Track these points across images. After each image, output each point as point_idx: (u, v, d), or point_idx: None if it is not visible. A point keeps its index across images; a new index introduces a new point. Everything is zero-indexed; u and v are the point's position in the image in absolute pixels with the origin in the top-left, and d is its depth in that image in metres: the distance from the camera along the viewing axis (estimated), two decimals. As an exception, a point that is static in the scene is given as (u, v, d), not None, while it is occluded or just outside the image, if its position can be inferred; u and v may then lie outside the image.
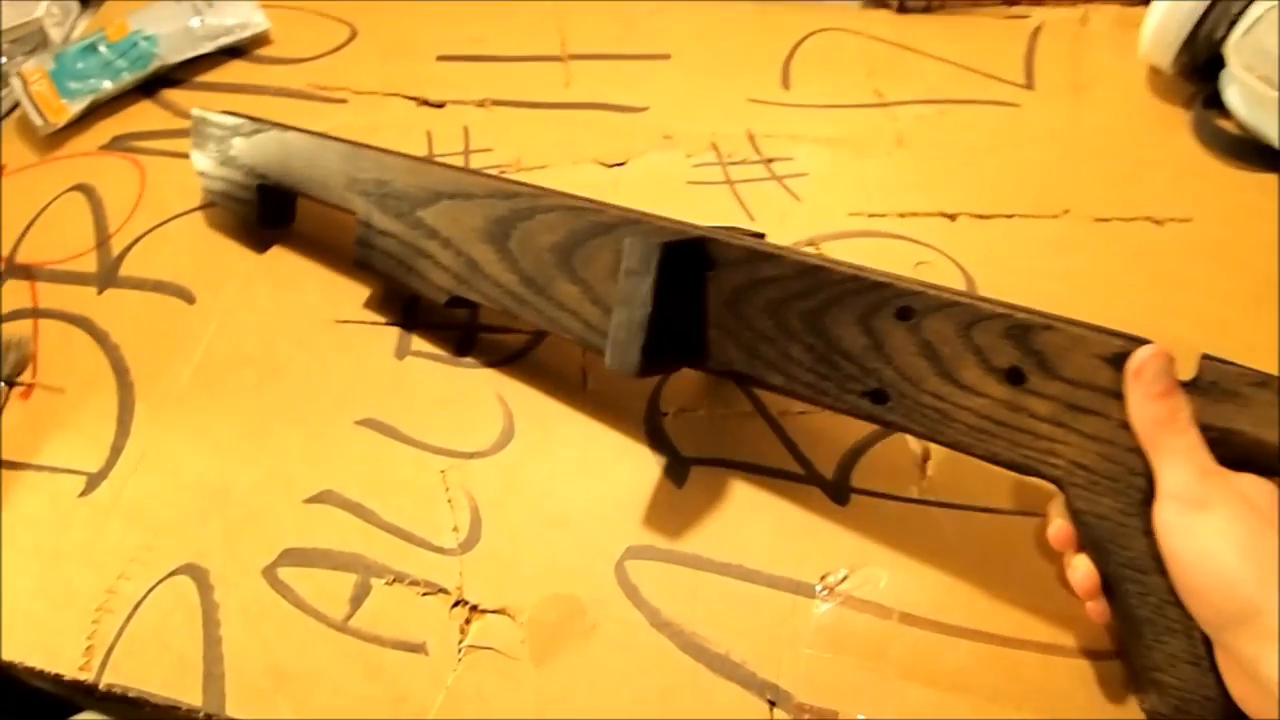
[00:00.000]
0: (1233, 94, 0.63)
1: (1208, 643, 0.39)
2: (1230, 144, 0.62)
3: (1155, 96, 0.66)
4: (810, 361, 0.47)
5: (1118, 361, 0.40)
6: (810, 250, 0.62)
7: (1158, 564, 0.39)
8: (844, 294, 0.46)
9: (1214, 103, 0.64)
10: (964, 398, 0.43)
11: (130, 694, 0.53)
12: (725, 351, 0.49)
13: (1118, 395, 0.40)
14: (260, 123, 0.66)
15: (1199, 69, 0.64)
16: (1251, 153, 0.62)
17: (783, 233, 0.62)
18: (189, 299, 0.67)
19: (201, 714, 0.52)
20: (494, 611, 0.52)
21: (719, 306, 0.49)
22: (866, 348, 0.45)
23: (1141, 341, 0.40)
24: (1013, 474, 0.43)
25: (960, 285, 0.59)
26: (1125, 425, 0.40)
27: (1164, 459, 0.39)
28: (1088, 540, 0.42)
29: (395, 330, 0.64)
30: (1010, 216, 0.62)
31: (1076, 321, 0.42)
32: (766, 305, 0.48)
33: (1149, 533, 0.40)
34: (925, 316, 0.44)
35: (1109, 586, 0.42)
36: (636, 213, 0.52)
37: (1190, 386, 0.40)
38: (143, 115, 0.79)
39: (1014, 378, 0.42)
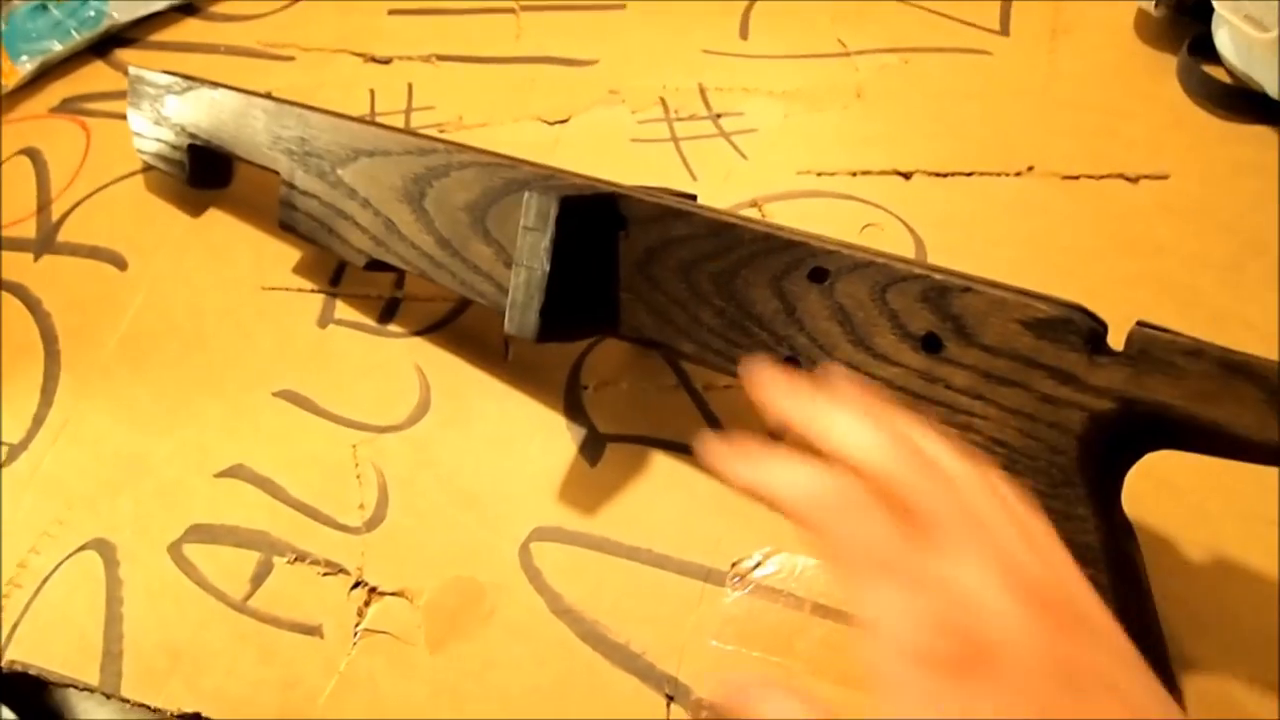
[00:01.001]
0: (1222, 38, 0.57)
1: (1135, 638, 0.35)
2: (1218, 93, 0.57)
3: (1142, 42, 0.61)
4: (721, 327, 0.43)
5: (1040, 328, 0.36)
6: (753, 212, 0.58)
7: (1081, 551, 0.36)
8: (756, 254, 0.42)
9: (1203, 48, 0.58)
10: (878, 367, 0.40)
11: (30, 671, 0.52)
12: (636, 317, 0.46)
13: (1040, 365, 0.36)
14: (192, 81, 0.64)
15: (1189, 10, 0.59)
16: (1240, 102, 0.56)
17: (725, 193, 0.59)
18: (121, 265, 0.66)
19: (99, 693, 0.51)
20: (392, 594, 0.50)
21: (630, 268, 0.46)
22: (778, 312, 0.42)
23: (1071, 305, 0.36)
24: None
25: (909, 250, 0.55)
26: (1048, 398, 0.36)
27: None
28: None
29: (320, 297, 0.61)
30: (970, 174, 0.57)
31: (999, 284, 0.38)
32: (678, 267, 0.44)
33: (1071, 517, 0.36)
34: (839, 278, 0.40)
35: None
36: (552, 169, 0.49)
37: (1119, 356, 0.35)
38: (94, 76, 0.77)
39: (930, 345, 0.39)
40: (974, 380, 0.38)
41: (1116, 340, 0.36)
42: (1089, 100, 0.59)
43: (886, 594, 0.26)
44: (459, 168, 0.51)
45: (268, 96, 0.61)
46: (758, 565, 0.47)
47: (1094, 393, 0.36)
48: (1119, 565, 0.37)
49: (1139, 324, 0.36)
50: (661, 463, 0.51)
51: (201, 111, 0.63)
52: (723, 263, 0.43)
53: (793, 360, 0.42)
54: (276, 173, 0.59)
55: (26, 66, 0.75)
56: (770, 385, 0.32)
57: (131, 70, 0.68)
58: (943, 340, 0.38)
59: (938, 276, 0.39)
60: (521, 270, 0.45)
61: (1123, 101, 0.58)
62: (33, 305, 0.65)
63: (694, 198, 0.54)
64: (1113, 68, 0.60)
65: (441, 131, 0.66)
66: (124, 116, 0.71)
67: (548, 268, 0.44)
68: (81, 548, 0.55)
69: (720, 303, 0.43)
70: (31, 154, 0.73)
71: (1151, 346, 0.35)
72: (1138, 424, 0.36)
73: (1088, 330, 0.36)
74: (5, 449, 0.59)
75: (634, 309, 0.46)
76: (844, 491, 0.28)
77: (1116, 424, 0.36)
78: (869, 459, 0.29)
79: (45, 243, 0.68)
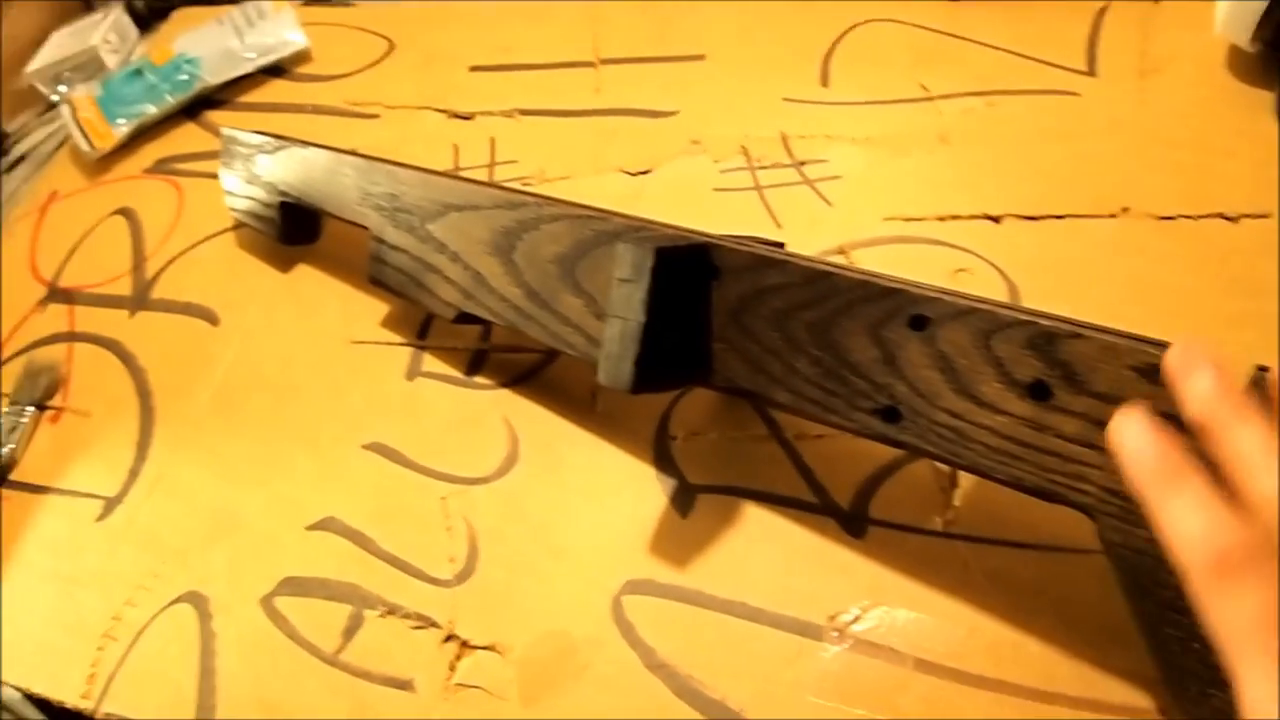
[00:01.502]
0: (1322, 72, 0.55)
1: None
2: (1318, 129, 0.55)
3: (1234, 77, 0.59)
4: (817, 376, 0.43)
5: (1154, 374, 0.35)
6: (839, 259, 0.58)
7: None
8: (853, 302, 0.42)
9: (1301, 82, 0.57)
10: (983, 415, 0.39)
11: (127, 724, 0.52)
12: (729, 366, 0.46)
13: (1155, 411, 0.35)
14: (283, 140, 0.66)
15: (1285, 45, 0.57)
16: (1344, 138, 0.55)
17: (811, 240, 0.58)
18: (213, 320, 0.67)
19: (193, 747, 0.51)
20: (484, 648, 0.50)
21: (723, 318, 0.46)
22: (877, 360, 0.41)
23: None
24: (1047, 503, 0.38)
25: (1002, 294, 0.54)
26: None
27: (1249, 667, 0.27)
28: (1122, 577, 0.37)
29: (408, 350, 0.62)
30: (1061, 217, 0.56)
31: (1108, 329, 0.37)
32: (772, 316, 0.44)
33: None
34: (940, 326, 0.39)
35: (1149, 631, 0.37)
36: (642, 220, 0.49)
37: None
38: (185, 137, 0.79)
39: (1038, 393, 0.38)
40: (1085, 429, 0.37)
41: None
42: (1182, 138, 0.57)
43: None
44: (549, 220, 0.51)
45: (355, 154, 0.62)
46: (856, 619, 0.46)
47: (1213, 440, 0.35)
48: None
49: (1258, 368, 0.34)
50: (753, 514, 0.50)
51: (292, 170, 0.64)
52: (818, 311, 0.43)
53: (893, 410, 0.41)
54: (366, 228, 0.60)
55: (122, 129, 0.78)
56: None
57: (224, 131, 0.69)
58: (1051, 388, 0.38)
59: (1044, 323, 0.38)
60: (616, 322, 0.45)
61: (1218, 139, 0.57)
62: (128, 360, 0.67)
63: (782, 245, 0.53)
64: (1206, 105, 0.59)
65: (525, 185, 0.67)
66: (215, 176, 0.73)
67: (643, 319, 0.44)
68: (176, 600, 0.55)
69: (816, 352, 0.43)
70: (127, 213, 0.75)
71: (1272, 390, 0.34)
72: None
73: (1203, 375, 0.35)
74: (102, 503, 0.60)
75: (727, 358, 0.46)
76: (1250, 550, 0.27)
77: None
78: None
79: (140, 299, 0.69)
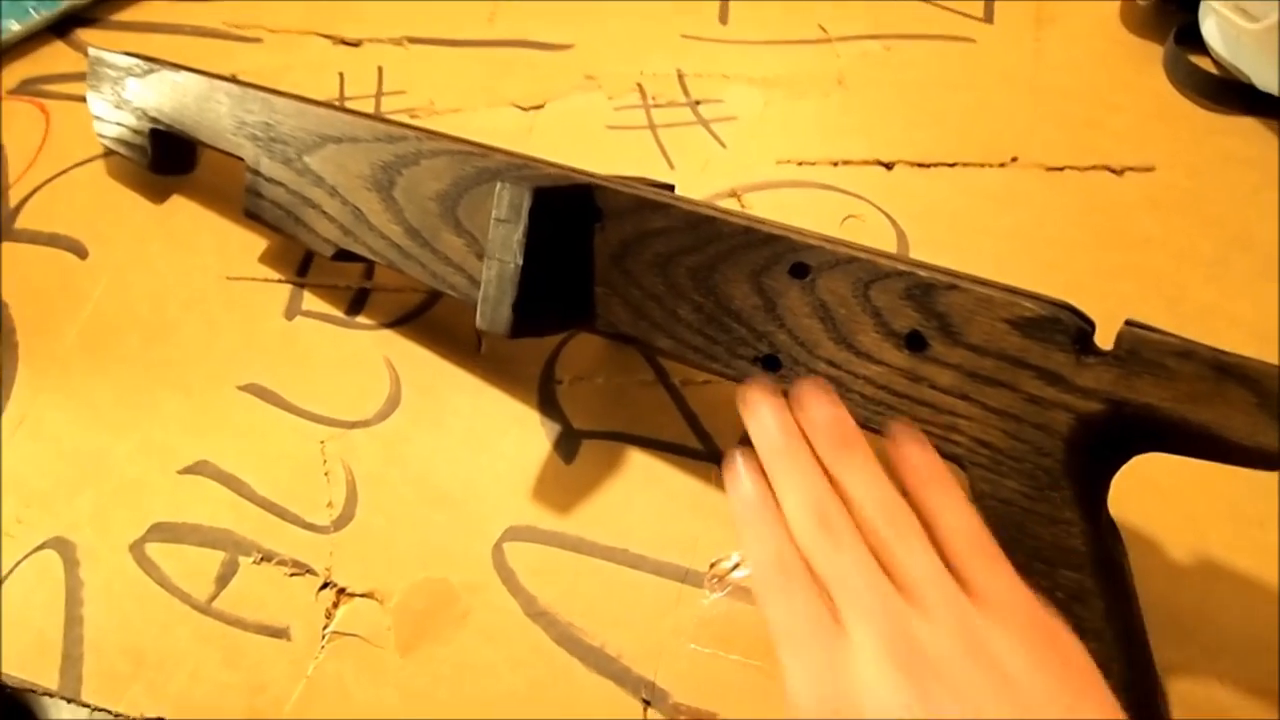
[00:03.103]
0: (1210, 28, 0.56)
1: (1122, 645, 0.35)
2: (1205, 84, 0.56)
3: (1128, 31, 0.60)
4: (699, 323, 0.42)
5: (1028, 327, 0.35)
6: (732, 202, 0.57)
7: (1066, 556, 0.35)
8: (735, 248, 0.41)
9: (1190, 37, 0.57)
10: (861, 365, 0.39)
11: (-13, 675, 0.50)
12: (611, 311, 0.45)
13: (1027, 365, 0.35)
14: (154, 63, 0.62)
15: (1176, 0, 0.58)
16: (1227, 93, 0.55)
17: (703, 183, 0.57)
18: (82, 254, 0.63)
19: (58, 696, 0.49)
20: (362, 595, 0.49)
21: (606, 262, 0.45)
22: (758, 308, 0.41)
23: (1058, 304, 0.35)
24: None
25: (891, 242, 0.54)
26: (1034, 399, 0.35)
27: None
28: (993, 528, 0.37)
29: (287, 288, 0.59)
30: (952, 165, 0.56)
31: (986, 281, 0.37)
32: (654, 260, 0.43)
33: (1056, 521, 0.35)
34: (821, 274, 0.39)
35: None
36: (526, 158, 0.48)
37: (1107, 357, 0.34)
38: (54, 56, 0.74)
39: (914, 343, 0.38)
40: (959, 380, 0.37)
41: (1105, 339, 0.35)
42: (1074, 90, 0.58)
43: (797, 671, 0.28)
44: (429, 156, 0.50)
45: (233, 80, 0.59)
46: (736, 566, 0.46)
47: (1081, 394, 0.35)
48: (1105, 569, 0.36)
49: (1128, 323, 0.35)
50: (638, 460, 0.50)
51: (164, 95, 0.61)
52: (701, 257, 0.42)
53: (773, 359, 0.41)
54: (241, 159, 0.57)
55: (-18, 46, 0.73)
56: (756, 416, 0.33)
57: (91, 51, 0.65)
58: (927, 339, 0.38)
59: (922, 273, 0.38)
60: (494, 264, 0.43)
61: (1108, 92, 0.57)
62: (-11, 294, 0.63)
63: (672, 188, 0.52)
64: (1098, 58, 0.59)
65: (413, 117, 0.64)
66: (84, 99, 0.69)
67: (520, 261, 0.42)
68: (40, 547, 0.53)
69: (698, 298, 0.42)
70: (-12, 137, 0.71)
71: (1141, 347, 0.34)
72: (1126, 426, 0.35)
73: (1075, 329, 0.35)
74: (-41, 445, 0.57)
75: (609, 303, 0.45)
76: (784, 563, 0.30)
77: (1104, 426, 0.35)
78: (796, 530, 0.30)
79: (2, 230, 0.65)
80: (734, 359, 0.42)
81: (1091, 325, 0.36)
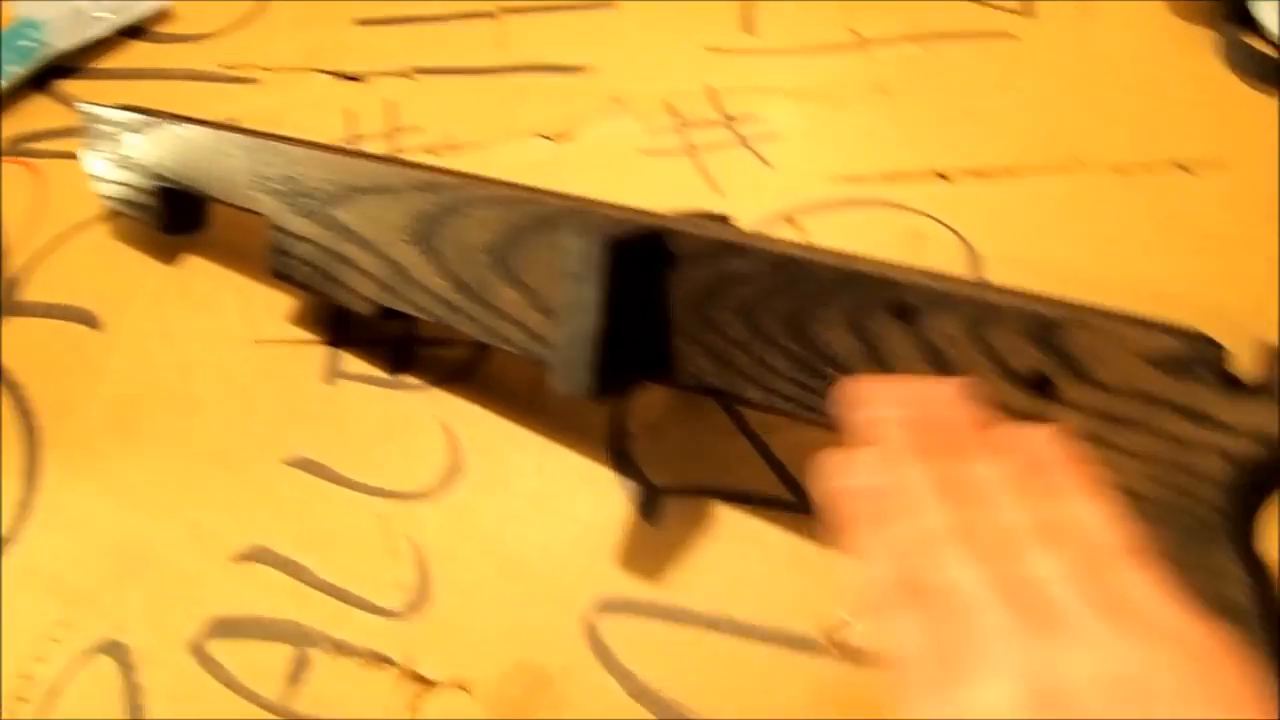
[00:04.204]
0: (1264, 8, 0.54)
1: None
2: (1266, 68, 0.54)
3: (1174, 15, 0.58)
4: (792, 371, 0.40)
5: (1166, 363, 0.33)
6: (787, 227, 0.54)
7: (1227, 607, 0.33)
8: (828, 290, 0.38)
9: (1243, 19, 0.55)
10: None
11: (49, 796, 0.47)
12: (694, 363, 0.42)
13: (1169, 405, 0.33)
14: (153, 115, 0.58)
15: (1224, -21, 0.56)
16: (1291, 77, 0.53)
17: (754, 206, 0.55)
18: (94, 324, 0.60)
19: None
20: (448, 685, 0.46)
21: (683, 310, 0.42)
22: (858, 353, 0.38)
23: (1194, 334, 0.33)
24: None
25: (961, 259, 0.52)
26: (1180, 441, 0.33)
27: None
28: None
29: (323, 348, 0.56)
30: (1014, 172, 0.54)
31: (1114, 313, 0.35)
32: (738, 306, 0.40)
33: (1215, 572, 0.33)
34: (926, 314, 0.37)
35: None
36: (580, 200, 0.45)
37: (1259, 391, 0.32)
38: (36, 112, 0.70)
39: (1040, 386, 0.35)
40: (1092, 423, 0.35)
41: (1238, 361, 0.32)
42: (1129, 83, 0.56)
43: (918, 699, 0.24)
44: (474, 204, 0.47)
45: (241, 130, 0.56)
46: (850, 627, 0.44)
47: (1234, 434, 0.33)
48: (1268, 618, 0.34)
49: (1274, 349, 0.33)
50: (728, 517, 0.47)
51: (168, 150, 0.57)
52: (790, 301, 0.39)
53: None
54: (260, 214, 0.54)
55: (-41, 107, 0.68)
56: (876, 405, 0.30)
57: (81, 107, 0.61)
58: (1054, 380, 0.35)
59: (1043, 310, 0.35)
60: (568, 323, 0.41)
61: (1166, 83, 0.55)
62: (1, 375, 0.59)
63: (726, 219, 0.50)
64: (1149, 46, 0.57)
65: (431, 154, 0.61)
66: (75, 156, 0.65)
67: (599, 320, 0.40)
68: (91, 651, 0.50)
69: (790, 344, 0.40)
70: (-24, 203, 0.67)
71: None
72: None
73: (1217, 362, 0.33)
74: (-10, 544, 0.54)
75: (690, 354, 0.42)
76: (912, 578, 0.26)
77: (1262, 468, 0.33)
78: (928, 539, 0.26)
79: (6, 303, 0.62)
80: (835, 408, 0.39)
81: (1227, 353, 0.34)
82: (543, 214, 0.45)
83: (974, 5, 0.60)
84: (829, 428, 0.39)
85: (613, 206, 0.44)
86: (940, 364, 0.37)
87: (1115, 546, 0.26)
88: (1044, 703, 0.22)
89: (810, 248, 0.40)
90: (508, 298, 0.46)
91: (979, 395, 0.31)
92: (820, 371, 0.39)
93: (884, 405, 0.30)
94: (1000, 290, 0.36)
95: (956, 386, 0.31)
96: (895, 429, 0.29)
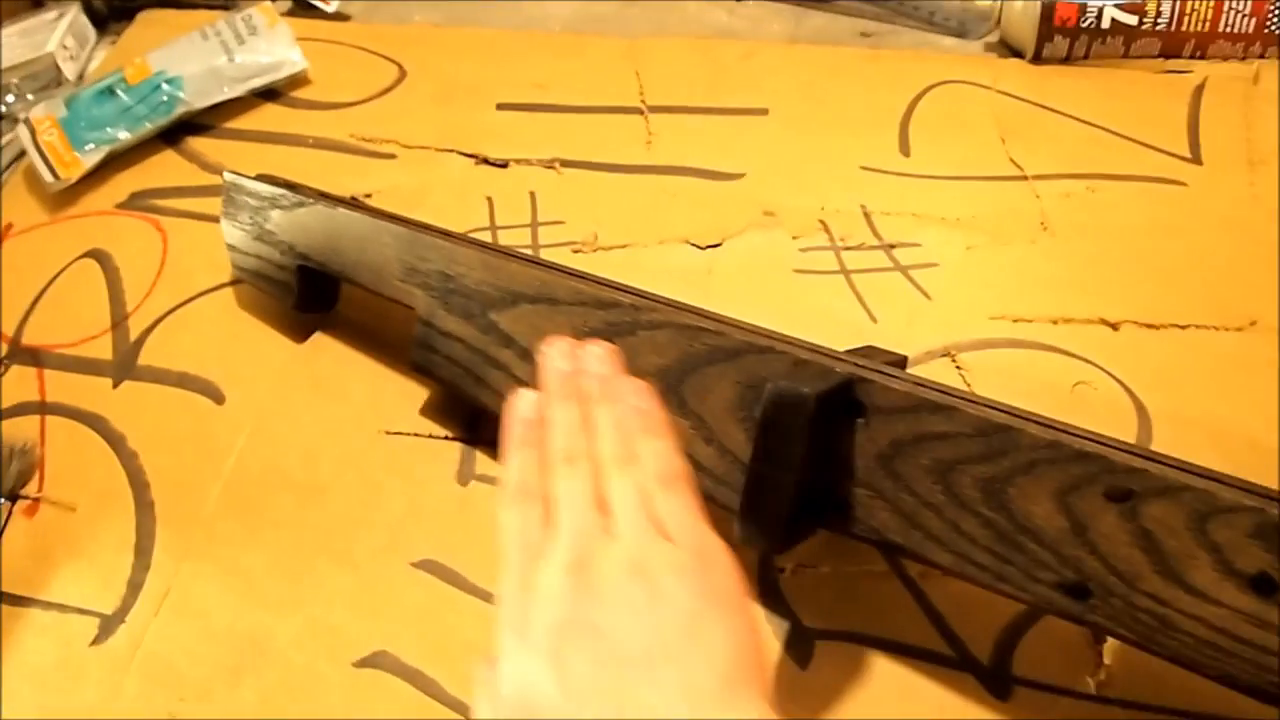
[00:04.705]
0: None
1: None
2: None
3: (1348, 174, 0.56)
4: (988, 540, 0.38)
5: None
6: (945, 362, 0.53)
7: None
8: (1037, 462, 0.37)
9: None
10: (1193, 604, 0.35)
11: None
12: (875, 516, 0.41)
13: None
14: (303, 194, 0.57)
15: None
16: None
17: (911, 338, 0.53)
18: (217, 398, 0.58)
19: None
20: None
21: (870, 462, 0.40)
22: (1064, 530, 0.36)
23: None
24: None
25: (1129, 412, 0.50)
26: None
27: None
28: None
29: (457, 446, 0.55)
30: (1185, 327, 0.52)
31: None
32: (934, 466, 0.39)
33: None
34: (1145, 500, 0.35)
35: None
36: (760, 334, 0.43)
37: None
38: (165, 167, 0.70)
39: (1262, 586, 0.33)
40: None
41: None
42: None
43: (507, 569, 0.34)
44: (648, 327, 0.45)
45: (394, 218, 0.55)
46: (1008, 795, 0.42)
47: None
48: None
49: None
50: (881, 667, 0.45)
51: (315, 231, 0.56)
52: (993, 468, 0.38)
53: (1081, 587, 0.36)
54: (409, 307, 0.53)
55: (92, 157, 0.68)
56: (548, 360, 0.40)
57: (227, 177, 0.60)
58: (1278, 583, 0.33)
59: (1273, 510, 0.34)
60: (763, 472, 0.39)
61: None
62: (115, 441, 0.58)
63: (905, 361, 0.48)
64: (1321, 205, 0.55)
65: (576, 251, 0.60)
66: (203, 216, 0.64)
67: (798, 474, 0.38)
68: (201, 748, 0.48)
69: (988, 513, 0.38)
70: (99, 256, 0.66)
71: None
72: None
73: None
74: (98, 621, 0.52)
75: (873, 508, 0.41)
76: (527, 483, 0.36)
77: None
78: (549, 458, 0.36)
79: (125, 366, 0.60)
80: (1032, 582, 0.38)
81: None
82: (722, 345, 0.43)
83: (1139, 147, 0.59)
84: (1022, 600, 0.38)
85: (793, 343, 0.43)
86: (1155, 552, 0.35)
87: (668, 474, 0.35)
88: (579, 577, 0.32)
89: (1016, 412, 0.38)
90: (676, 427, 0.44)
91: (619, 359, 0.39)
92: (1019, 544, 0.38)
93: (558, 359, 0.40)
94: (1225, 481, 0.35)
95: (606, 349, 0.40)
96: (556, 377, 0.39)
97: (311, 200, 0.57)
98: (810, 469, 0.39)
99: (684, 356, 0.44)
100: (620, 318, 0.46)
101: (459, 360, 0.51)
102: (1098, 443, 0.37)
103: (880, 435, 0.40)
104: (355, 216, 0.55)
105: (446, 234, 0.53)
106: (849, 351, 0.45)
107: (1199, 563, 0.34)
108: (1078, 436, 0.37)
